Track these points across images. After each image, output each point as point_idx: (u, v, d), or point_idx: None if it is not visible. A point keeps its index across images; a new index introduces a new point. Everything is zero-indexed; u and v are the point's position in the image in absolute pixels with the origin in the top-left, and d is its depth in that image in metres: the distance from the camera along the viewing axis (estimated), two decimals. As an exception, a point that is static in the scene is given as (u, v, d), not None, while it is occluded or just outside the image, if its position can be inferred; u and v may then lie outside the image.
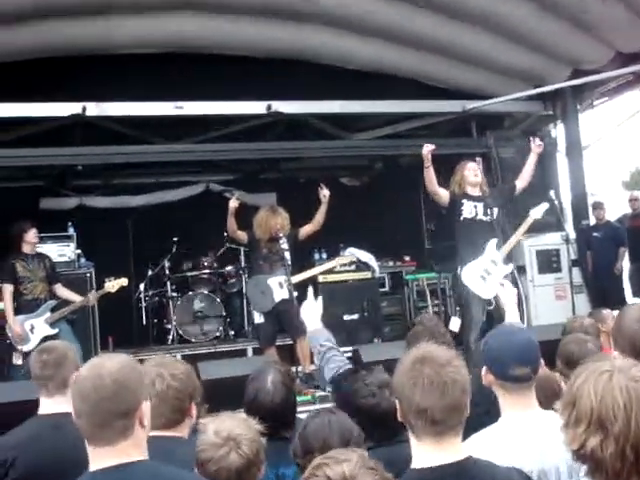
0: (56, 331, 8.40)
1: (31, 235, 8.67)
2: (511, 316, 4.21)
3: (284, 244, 8.50)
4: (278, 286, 8.52)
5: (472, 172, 8.16)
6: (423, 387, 2.43)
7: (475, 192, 8.11)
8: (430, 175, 8.00)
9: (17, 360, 8.30)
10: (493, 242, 7.98)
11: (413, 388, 2.45)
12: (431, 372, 2.45)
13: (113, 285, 8.77)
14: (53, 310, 8.55)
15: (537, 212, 8.38)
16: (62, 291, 8.79)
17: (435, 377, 2.44)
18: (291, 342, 8.78)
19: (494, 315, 7.54)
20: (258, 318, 8.69)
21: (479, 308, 7.87)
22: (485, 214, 8.01)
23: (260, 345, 8.95)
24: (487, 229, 8.01)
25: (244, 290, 11.09)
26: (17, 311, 8.44)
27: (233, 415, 3.05)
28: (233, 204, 8.59)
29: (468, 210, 8.01)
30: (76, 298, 8.76)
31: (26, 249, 8.63)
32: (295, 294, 8.28)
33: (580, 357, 4.01)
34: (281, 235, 8.50)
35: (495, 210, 8.05)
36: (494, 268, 7.94)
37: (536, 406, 3.10)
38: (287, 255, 8.50)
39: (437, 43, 10.04)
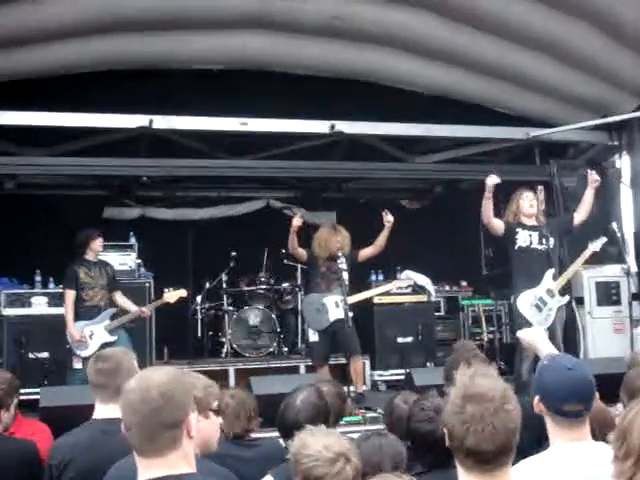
0: (115, 338, 8.50)
1: (97, 243, 8.81)
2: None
3: (343, 264, 8.50)
4: (334, 305, 8.53)
5: (528, 202, 8.12)
6: (475, 433, 2.41)
7: (530, 222, 8.06)
8: (488, 206, 7.99)
9: (77, 364, 8.43)
10: (550, 272, 7.88)
11: (465, 432, 2.42)
12: (483, 416, 2.42)
13: (172, 296, 8.87)
14: (112, 318, 8.66)
15: (596, 245, 8.28)
16: (121, 299, 8.91)
17: (487, 424, 2.41)
18: (344, 362, 8.78)
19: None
20: (312, 336, 8.71)
21: None
22: (540, 243, 7.93)
23: (313, 363, 8.96)
24: (542, 258, 7.92)
25: (299, 307, 11.14)
26: (77, 317, 8.56)
27: (326, 430, 3.01)
28: (296, 222, 8.63)
29: (522, 239, 7.95)
30: (132, 308, 8.87)
31: (90, 256, 8.77)
32: (351, 314, 8.30)
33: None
34: (340, 254, 8.51)
35: (551, 240, 7.95)
36: (550, 298, 7.85)
37: (588, 437, 3.06)
38: (345, 275, 8.51)
39: (503, 69, 10.01)
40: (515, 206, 8.11)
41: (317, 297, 8.68)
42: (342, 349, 8.63)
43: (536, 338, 4.16)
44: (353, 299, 8.65)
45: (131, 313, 8.76)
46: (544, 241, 7.93)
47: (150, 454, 2.41)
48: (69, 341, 8.55)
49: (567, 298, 8.11)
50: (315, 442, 2.82)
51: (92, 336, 8.49)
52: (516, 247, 7.97)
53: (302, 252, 8.84)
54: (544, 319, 7.74)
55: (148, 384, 2.45)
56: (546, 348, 4.04)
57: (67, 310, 8.59)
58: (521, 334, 4.27)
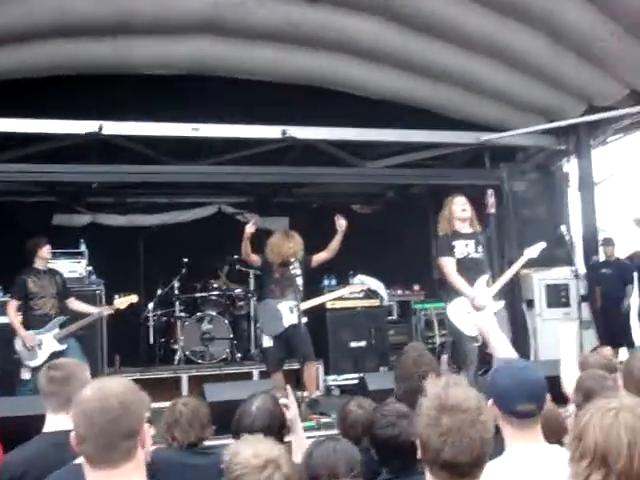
0: (64, 347, 8.40)
1: (45, 251, 8.71)
2: (500, 349, 4.07)
3: (296, 269, 8.50)
4: (288, 311, 8.51)
5: (460, 207, 8.00)
6: (453, 445, 2.38)
7: (464, 228, 7.98)
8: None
9: (25, 375, 8.31)
10: (483, 278, 7.85)
11: (442, 444, 2.39)
12: (461, 428, 2.40)
13: (122, 302, 8.81)
14: (62, 326, 8.57)
15: (532, 251, 8.20)
16: (76, 304, 8.83)
17: (464, 436, 2.39)
18: (298, 367, 8.78)
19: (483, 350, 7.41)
20: (267, 342, 8.67)
21: (471, 344, 7.63)
22: (476, 251, 7.92)
23: (267, 369, 8.94)
24: (478, 265, 7.91)
25: (252, 313, 11.12)
26: (27, 326, 8.44)
27: (259, 438, 2.98)
28: (250, 229, 8.60)
29: (460, 250, 7.87)
30: (91, 309, 8.81)
31: (39, 264, 8.66)
32: (304, 320, 8.30)
33: (599, 393, 4.00)
34: (293, 260, 8.51)
35: (482, 246, 7.98)
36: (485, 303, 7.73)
37: (541, 440, 3.11)
38: (299, 280, 8.51)
39: (452, 74, 10.10)
40: (448, 212, 8.01)
41: (271, 303, 8.66)
42: (296, 355, 8.62)
43: (486, 324, 4.21)
44: (307, 305, 8.64)
45: (81, 320, 8.67)
46: (479, 248, 7.92)
47: (105, 466, 2.36)
48: (17, 351, 8.42)
49: (501, 303, 7.98)
50: (244, 450, 2.75)
51: (41, 345, 8.38)
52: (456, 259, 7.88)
53: (255, 258, 8.82)
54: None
55: (106, 393, 2.41)
56: (496, 334, 4.10)
57: (12, 319, 8.47)
58: (473, 319, 4.31)
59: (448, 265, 7.84)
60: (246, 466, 2.68)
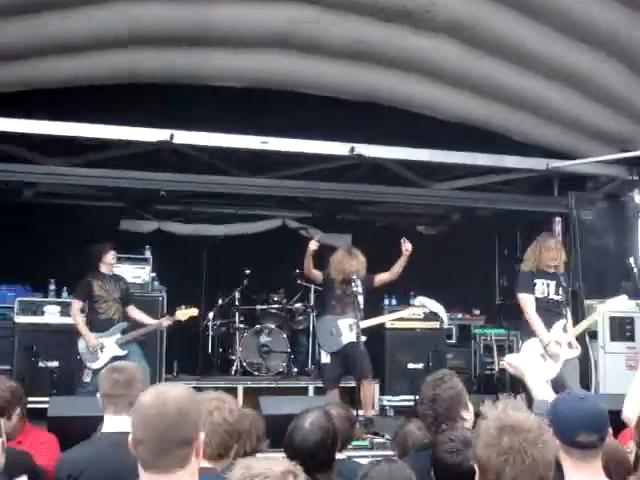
0: (125, 352, 8.51)
1: (110, 256, 8.87)
2: (537, 392, 4.00)
3: (358, 287, 8.48)
4: (348, 328, 8.52)
5: (551, 255, 7.92)
6: (514, 465, 2.35)
7: (550, 269, 7.93)
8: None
9: (86, 378, 8.43)
10: (560, 323, 7.78)
11: (503, 463, 2.36)
12: (521, 448, 2.36)
13: (183, 314, 8.88)
14: (124, 332, 8.68)
15: (614, 304, 8.27)
16: (135, 313, 8.94)
17: (526, 456, 2.35)
18: (353, 385, 8.74)
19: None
20: (324, 358, 8.70)
21: None
22: (557, 292, 7.84)
23: (324, 385, 8.93)
24: (557, 308, 7.84)
25: (310, 328, 11.13)
26: (90, 329, 8.59)
27: (270, 456, 3.00)
28: (313, 246, 8.64)
29: (540, 290, 7.84)
30: (149, 320, 8.90)
31: (104, 269, 8.82)
32: (363, 338, 8.27)
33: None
34: (355, 277, 8.49)
35: (562, 289, 7.88)
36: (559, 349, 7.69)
37: (601, 473, 3.04)
38: (360, 298, 8.49)
39: (526, 99, 10.01)
40: (538, 252, 7.96)
41: (331, 319, 8.67)
42: (354, 372, 8.59)
43: (523, 366, 4.14)
44: (366, 323, 8.63)
45: (145, 328, 8.79)
46: (560, 291, 7.85)
47: (159, 471, 2.39)
48: (80, 351, 8.55)
49: (577, 351, 7.93)
50: (259, 464, 2.77)
51: (103, 349, 8.50)
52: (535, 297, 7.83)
53: (317, 274, 8.84)
54: (547, 370, 7.55)
55: (165, 399, 2.44)
56: (533, 380, 4.02)
57: (76, 320, 8.64)
58: (508, 358, 4.25)
59: (528, 302, 7.81)
60: (268, 475, 2.68)
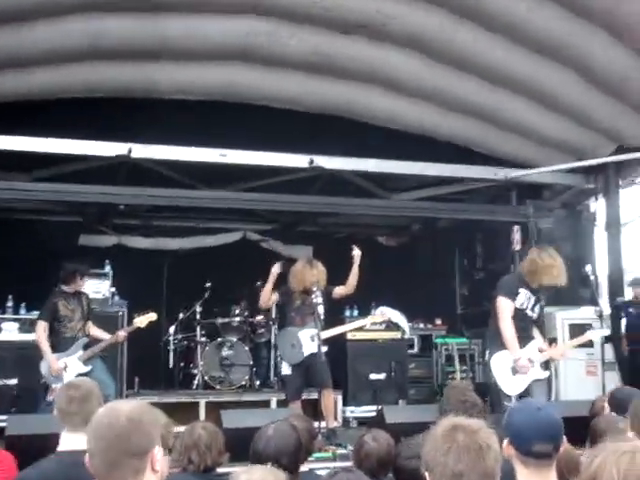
0: (89, 368, 8.39)
1: (82, 282, 8.76)
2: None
3: (318, 298, 8.48)
4: (309, 339, 8.50)
5: (549, 278, 7.55)
6: (458, 451, 2.39)
7: (535, 285, 7.63)
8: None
9: (50, 397, 8.28)
10: (538, 341, 7.67)
11: (447, 453, 2.40)
12: (465, 438, 2.41)
13: (142, 320, 8.79)
14: (85, 348, 8.58)
15: (595, 334, 8.25)
16: (93, 330, 8.84)
17: (470, 442, 2.40)
18: (316, 397, 8.73)
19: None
20: (286, 370, 8.66)
21: (506, 402, 7.32)
22: (532, 309, 7.63)
23: (286, 397, 8.90)
24: (529, 325, 7.65)
25: (273, 340, 11.09)
26: (54, 348, 8.41)
27: (263, 467, 3.05)
28: (276, 270, 8.64)
29: (520, 301, 7.56)
30: (105, 336, 8.78)
31: (69, 288, 8.68)
32: (324, 349, 8.27)
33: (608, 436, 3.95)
34: (315, 289, 8.49)
35: (539, 307, 7.72)
36: (530, 367, 7.51)
37: None
38: (320, 309, 8.49)
39: (481, 109, 10.12)
40: (539, 265, 7.53)
41: (292, 331, 8.66)
42: (314, 383, 8.59)
43: None
44: (327, 334, 8.60)
45: (104, 341, 8.67)
46: (536, 309, 7.66)
47: None
48: (43, 374, 8.42)
49: (547, 373, 7.81)
50: (245, 476, 2.85)
51: (66, 368, 8.37)
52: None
53: (273, 298, 8.83)
54: (515, 385, 7.47)
55: (117, 410, 2.44)
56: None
57: (42, 342, 8.41)
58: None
59: (506, 308, 7.51)
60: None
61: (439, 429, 2.49)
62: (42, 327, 8.46)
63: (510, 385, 7.48)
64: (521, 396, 7.28)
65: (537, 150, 10.89)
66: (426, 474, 2.50)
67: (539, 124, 10.28)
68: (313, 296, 8.47)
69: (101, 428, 2.40)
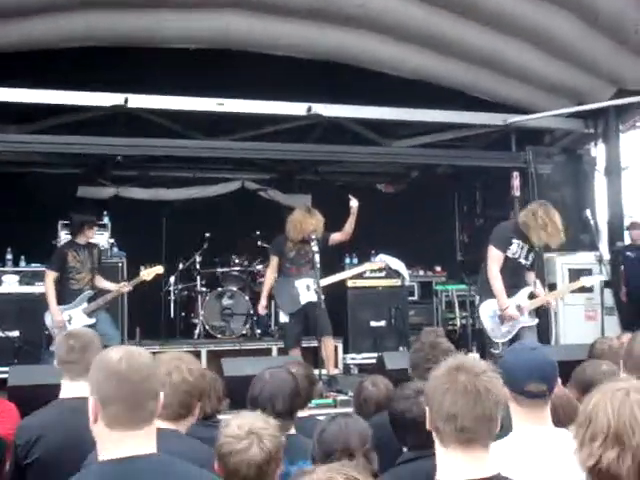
0: (93, 320, 8.46)
1: (92, 232, 8.82)
2: None
3: (314, 246, 8.47)
4: (305, 288, 8.56)
5: (545, 236, 7.54)
6: (455, 392, 2.39)
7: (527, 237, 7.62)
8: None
9: (52, 347, 8.35)
10: (527, 289, 7.67)
11: (445, 393, 2.40)
12: (465, 379, 2.40)
13: (148, 273, 8.83)
14: (90, 301, 8.62)
15: (589, 281, 8.24)
16: (101, 281, 8.88)
17: (469, 384, 2.39)
18: (316, 345, 8.78)
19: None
20: (284, 318, 8.75)
21: (495, 349, 7.52)
22: (526, 258, 7.66)
23: (285, 345, 8.97)
24: (522, 272, 7.69)
25: (273, 290, 11.12)
26: (61, 300, 8.50)
27: (255, 413, 3.10)
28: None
29: (513, 250, 7.59)
30: (112, 287, 8.83)
31: (80, 240, 8.71)
32: (322, 297, 8.30)
33: (594, 381, 3.92)
34: (314, 237, 8.48)
35: (533, 254, 7.73)
36: (517, 315, 7.56)
37: (549, 423, 3.10)
38: (317, 258, 8.49)
39: (482, 55, 10.01)
40: (541, 222, 7.49)
41: (288, 281, 8.70)
42: (313, 331, 8.63)
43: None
44: (326, 281, 8.64)
45: (109, 294, 8.72)
46: (530, 256, 7.67)
47: (129, 426, 2.36)
48: (47, 325, 8.48)
49: (536, 321, 7.81)
50: (234, 421, 2.94)
51: (70, 320, 8.43)
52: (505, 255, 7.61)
53: (275, 265, 8.88)
54: (502, 334, 7.54)
55: (132, 354, 2.43)
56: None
57: (49, 292, 8.49)
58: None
59: (495, 258, 7.56)
60: (229, 435, 2.89)
61: (443, 367, 2.49)
62: (51, 277, 8.54)
63: (498, 333, 7.55)
64: (511, 342, 7.29)
65: (537, 95, 10.79)
66: (426, 409, 2.52)
67: (539, 68, 10.18)
68: (312, 244, 8.44)
69: (123, 373, 2.37)
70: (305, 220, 8.60)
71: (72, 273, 8.57)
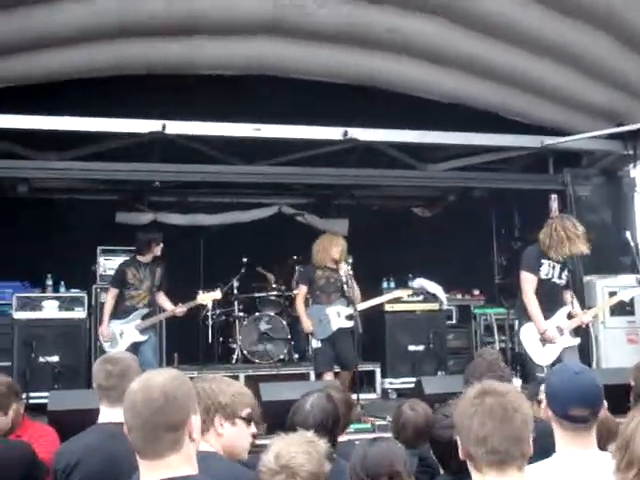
0: (145, 338, 8.73)
1: (158, 249, 9.00)
2: None
3: (342, 272, 8.65)
4: (336, 315, 8.74)
5: (567, 248, 7.49)
6: (483, 414, 2.38)
7: (552, 255, 7.59)
8: None
9: None
10: (566, 309, 7.63)
11: (473, 416, 2.40)
12: (492, 401, 2.40)
13: (205, 297, 8.97)
14: (144, 318, 8.76)
15: (626, 294, 8.19)
16: (162, 299, 9.06)
17: (495, 405, 2.39)
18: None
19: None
20: (316, 343, 8.92)
21: (538, 372, 7.41)
22: (560, 277, 7.62)
23: (316, 370, 9.04)
24: (558, 293, 7.65)
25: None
26: (116, 314, 8.80)
27: (302, 436, 3.00)
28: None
29: (545, 271, 7.57)
30: (168, 307, 8.93)
31: (144, 258, 8.93)
32: (351, 323, 8.63)
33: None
34: (340, 262, 8.64)
35: (567, 272, 7.67)
36: (558, 336, 7.53)
37: (594, 446, 3.04)
38: (348, 281, 8.62)
39: (517, 77, 9.96)
40: (564, 233, 7.50)
41: (319, 308, 8.90)
42: (338, 358, 8.82)
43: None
44: (361, 306, 8.82)
45: (162, 314, 8.89)
46: (564, 275, 7.62)
47: (151, 456, 2.39)
48: (99, 338, 8.86)
49: (577, 340, 7.77)
50: (274, 449, 2.84)
51: (122, 334, 8.64)
52: (538, 278, 7.57)
53: (304, 294, 9.07)
54: (545, 356, 7.47)
55: (150, 385, 2.44)
56: None
57: (105, 307, 8.89)
58: None
59: (528, 282, 7.54)
60: (264, 466, 2.79)
61: (469, 393, 2.49)
62: (110, 294, 8.93)
63: (540, 355, 7.47)
64: (553, 365, 7.21)
65: (574, 116, 10.70)
66: (457, 438, 2.49)
67: (576, 90, 10.10)
68: (340, 271, 8.64)
69: (136, 405, 2.41)
70: (331, 245, 8.78)
71: (129, 290, 8.83)
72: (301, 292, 9.09)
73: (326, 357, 8.80)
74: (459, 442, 2.47)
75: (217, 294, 9.04)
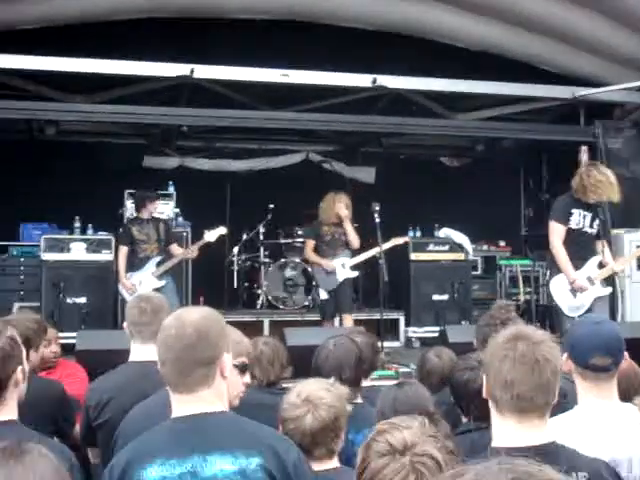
0: (164, 282, 8.87)
1: (153, 207, 9.19)
2: None
3: (346, 228, 8.99)
4: (341, 267, 8.96)
5: (599, 191, 7.29)
6: (514, 360, 2.38)
7: (591, 200, 7.39)
8: None
9: None
10: (596, 259, 7.45)
11: (504, 360, 2.40)
12: (524, 348, 2.40)
13: (212, 234, 9.01)
14: (158, 265, 8.90)
15: None
16: (175, 249, 9.23)
17: (528, 353, 2.39)
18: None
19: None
20: (323, 295, 9.09)
21: (568, 323, 7.14)
22: (591, 226, 7.45)
23: (322, 319, 9.24)
24: (589, 242, 7.48)
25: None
26: (132, 268, 8.94)
27: (320, 381, 3.11)
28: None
29: (575, 221, 7.39)
30: (178, 252, 9.13)
31: (144, 215, 9.08)
32: (355, 274, 9.11)
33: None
34: (344, 217, 8.92)
35: (598, 221, 7.49)
36: (588, 286, 7.37)
37: (615, 397, 3.04)
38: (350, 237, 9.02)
39: (550, 26, 9.81)
40: (586, 180, 7.29)
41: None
42: (338, 305, 9.04)
43: None
44: (359, 259, 9.14)
45: (175, 257, 9.01)
46: (595, 224, 7.45)
47: (183, 390, 2.45)
48: (120, 291, 9.02)
49: (609, 289, 7.63)
50: (297, 388, 3.01)
51: (141, 283, 8.78)
52: (568, 228, 7.39)
53: (312, 248, 9.24)
54: (576, 307, 7.32)
55: (184, 321, 2.49)
56: None
57: (119, 264, 9.02)
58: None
59: (556, 232, 7.39)
60: (288, 402, 2.97)
61: (502, 335, 2.49)
62: (121, 251, 9.06)
63: (571, 307, 7.38)
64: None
65: (607, 68, 10.54)
66: (483, 377, 2.51)
67: (609, 39, 9.93)
68: (341, 228, 8.99)
69: (169, 339, 2.47)
70: (334, 202, 8.98)
71: (139, 244, 8.98)
72: (309, 245, 9.32)
73: (331, 308, 9.06)
74: (484, 381, 2.49)
75: (222, 229, 9.11)
